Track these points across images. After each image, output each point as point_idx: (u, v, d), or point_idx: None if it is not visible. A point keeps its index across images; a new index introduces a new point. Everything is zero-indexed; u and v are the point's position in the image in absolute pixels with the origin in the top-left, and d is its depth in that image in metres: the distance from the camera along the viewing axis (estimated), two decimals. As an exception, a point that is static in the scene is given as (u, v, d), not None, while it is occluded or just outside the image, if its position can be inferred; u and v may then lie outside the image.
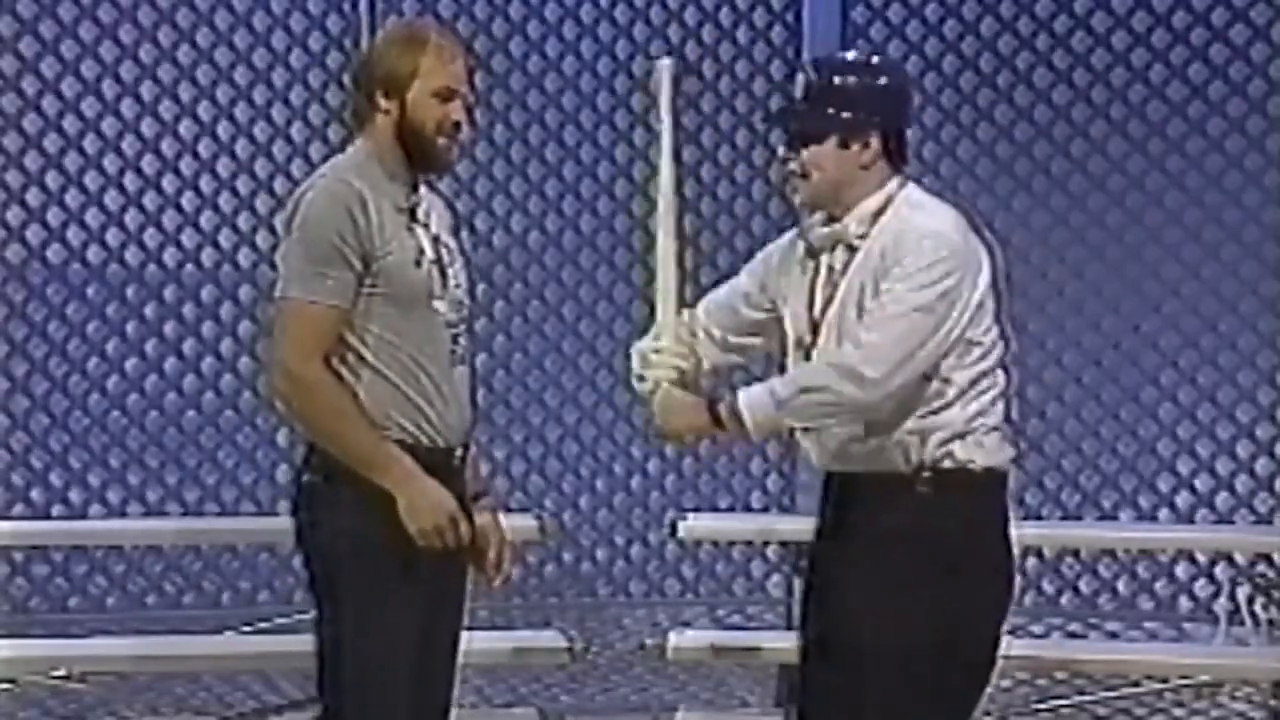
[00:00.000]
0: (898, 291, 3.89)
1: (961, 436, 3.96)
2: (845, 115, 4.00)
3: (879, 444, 3.98)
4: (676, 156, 4.23)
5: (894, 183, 4.04)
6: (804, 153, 4.02)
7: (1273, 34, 7.69)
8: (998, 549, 4.05)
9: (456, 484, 4.15)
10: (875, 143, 4.00)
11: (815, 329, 4.05)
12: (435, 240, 4.11)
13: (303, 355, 3.97)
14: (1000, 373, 4.03)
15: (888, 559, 3.98)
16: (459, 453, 4.15)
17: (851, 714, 4.03)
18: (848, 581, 4.06)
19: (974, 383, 3.97)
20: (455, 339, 4.13)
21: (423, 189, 4.14)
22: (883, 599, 3.96)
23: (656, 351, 4.16)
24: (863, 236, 4.00)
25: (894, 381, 3.88)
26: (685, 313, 4.23)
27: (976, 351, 3.96)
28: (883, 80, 4.08)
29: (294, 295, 3.97)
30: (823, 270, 4.08)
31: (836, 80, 4.07)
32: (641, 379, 4.17)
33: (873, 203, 4.00)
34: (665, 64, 4.27)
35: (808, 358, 4.05)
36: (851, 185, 4.01)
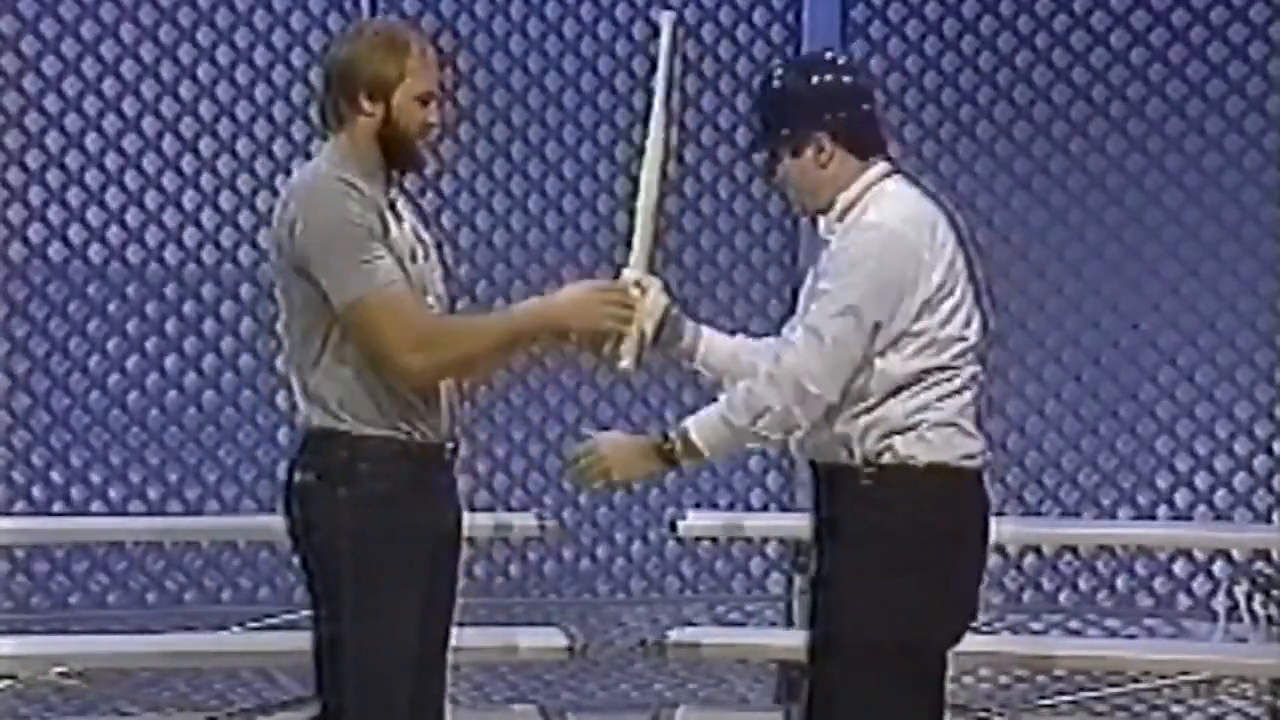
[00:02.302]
0: (832, 291, 3.90)
1: (901, 432, 3.94)
2: (783, 128, 4.05)
3: (826, 435, 3.99)
4: (669, 109, 4.18)
5: (872, 172, 4.04)
6: (778, 170, 4.09)
7: (1271, 32, 7.70)
8: (951, 547, 4.00)
9: (448, 478, 4.17)
10: (826, 143, 4.01)
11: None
12: (416, 236, 4.13)
13: (407, 329, 3.93)
14: (961, 368, 3.98)
15: (841, 552, 3.99)
16: (450, 447, 4.16)
17: (820, 706, 4.04)
18: (817, 576, 4.09)
19: (918, 377, 3.94)
20: None
21: (394, 187, 4.16)
22: (838, 592, 3.98)
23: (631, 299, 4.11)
24: (834, 232, 4.03)
25: (836, 389, 3.90)
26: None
27: (918, 344, 3.93)
28: (812, 79, 4.09)
29: (363, 290, 3.92)
30: (809, 276, 4.14)
31: (768, 96, 4.13)
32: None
33: (850, 195, 4.03)
34: (667, 15, 4.26)
35: None
36: (822, 187, 4.04)
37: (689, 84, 7.98)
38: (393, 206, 4.09)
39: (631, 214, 4.21)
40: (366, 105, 4.06)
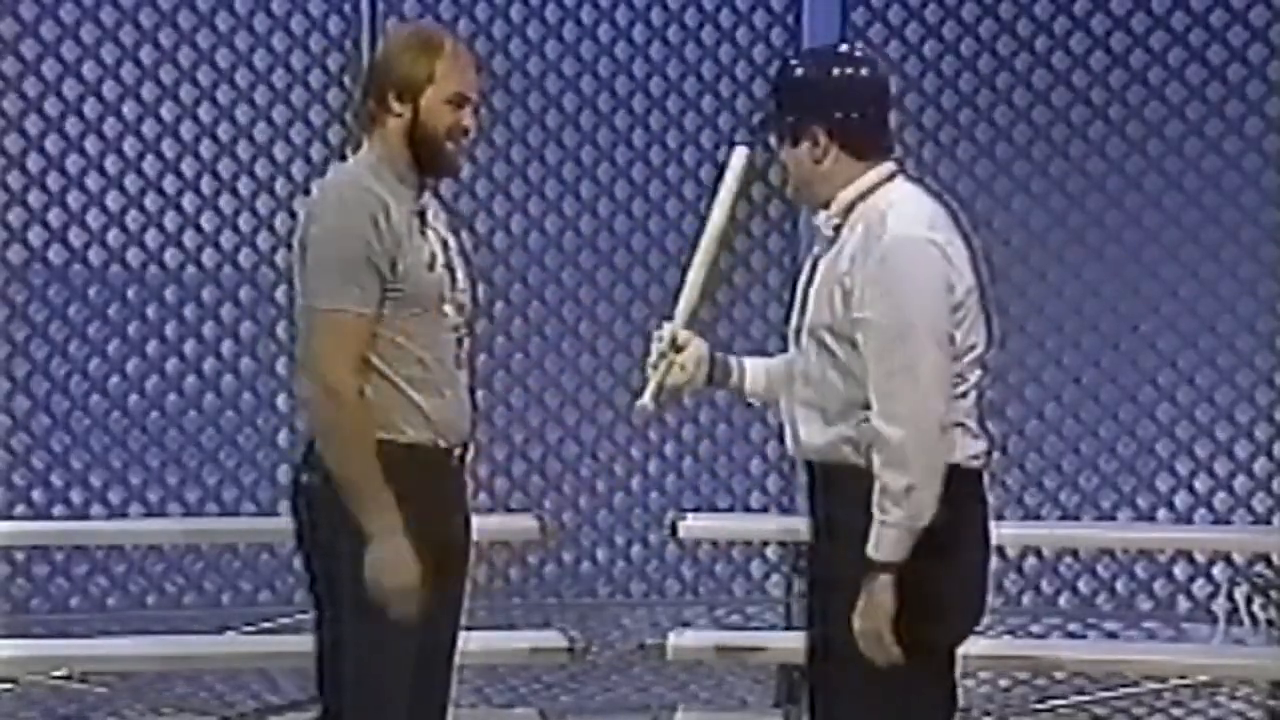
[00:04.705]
0: (886, 324, 3.81)
1: None
2: (786, 115, 3.98)
3: (831, 437, 3.95)
4: (726, 239, 4.21)
5: (872, 174, 3.94)
6: (780, 154, 4.03)
7: (1271, 35, 7.71)
8: (959, 545, 3.96)
9: (457, 483, 4.18)
10: (822, 138, 3.92)
11: (799, 332, 4.04)
12: (444, 243, 4.13)
13: (338, 366, 3.95)
14: (969, 370, 3.94)
15: (850, 554, 3.90)
16: (458, 452, 4.17)
17: (830, 709, 4.03)
18: (821, 578, 4.08)
19: None
20: (459, 341, 4.15)
21: (427, 192, 4.16)
22: (849, 594, 3.90)
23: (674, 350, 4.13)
24: (837, 228, 3.95)
25: (945, 403, 3.83)
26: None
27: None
28: (821, 73, 3.99)
29: (326, 305, 3.95)
30: (805, 267, 4.09)
31: (780, 81, 4.07)
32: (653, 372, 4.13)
33: (848, 195, 3.94)
34: (741, 151, 4.20)
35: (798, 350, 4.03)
36: (815, 182, 3.97)
37: (688, 86, 8.00)
38: (422, 214, 4.08)
39: (684, 270, 4.20)
40: (395, 106, 4.05)
